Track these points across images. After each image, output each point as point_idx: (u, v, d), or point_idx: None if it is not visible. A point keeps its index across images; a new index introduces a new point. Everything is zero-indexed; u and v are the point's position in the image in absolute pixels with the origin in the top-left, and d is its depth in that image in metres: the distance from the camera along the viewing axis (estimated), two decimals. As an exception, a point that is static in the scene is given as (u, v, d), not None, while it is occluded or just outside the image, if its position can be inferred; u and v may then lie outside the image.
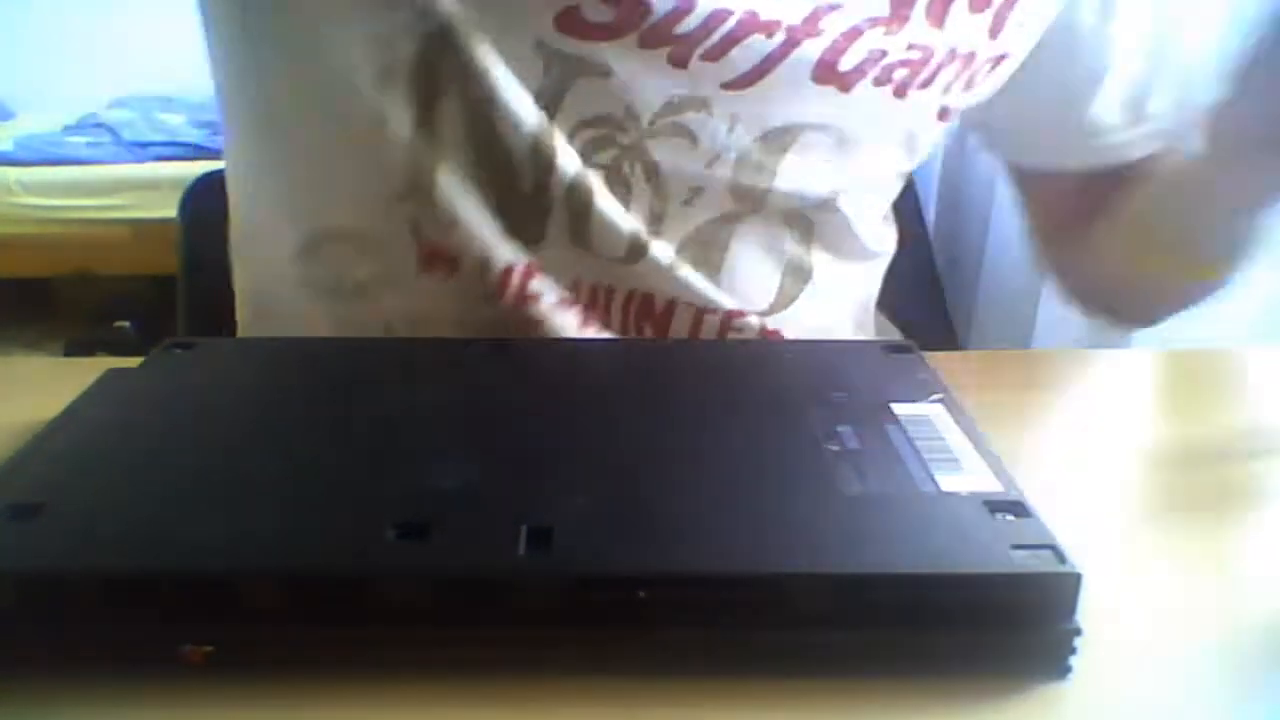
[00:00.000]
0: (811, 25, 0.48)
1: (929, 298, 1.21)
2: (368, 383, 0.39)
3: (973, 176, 1.44)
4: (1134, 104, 0.58)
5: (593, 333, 0.53)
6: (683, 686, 0.27)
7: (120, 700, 0.26)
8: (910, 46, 0.50)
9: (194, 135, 2.41)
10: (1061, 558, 0.27)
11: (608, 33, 0.47)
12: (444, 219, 0.51)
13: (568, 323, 0.52)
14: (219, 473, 0.32)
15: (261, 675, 0.27)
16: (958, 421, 0.35)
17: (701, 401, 0.37)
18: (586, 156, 0.50)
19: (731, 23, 0.47)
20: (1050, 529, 0.28)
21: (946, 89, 0.53)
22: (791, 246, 0.56)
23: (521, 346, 0.44)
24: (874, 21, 0.49)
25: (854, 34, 0.49)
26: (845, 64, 0.49)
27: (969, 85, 0.54)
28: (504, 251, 0.51)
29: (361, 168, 0.51)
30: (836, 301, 0.60)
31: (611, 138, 0.49)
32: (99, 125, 2.50)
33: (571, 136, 0.49)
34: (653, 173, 0.50)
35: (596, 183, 0.50)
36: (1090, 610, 0.27)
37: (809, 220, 0.55)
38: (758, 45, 0.48)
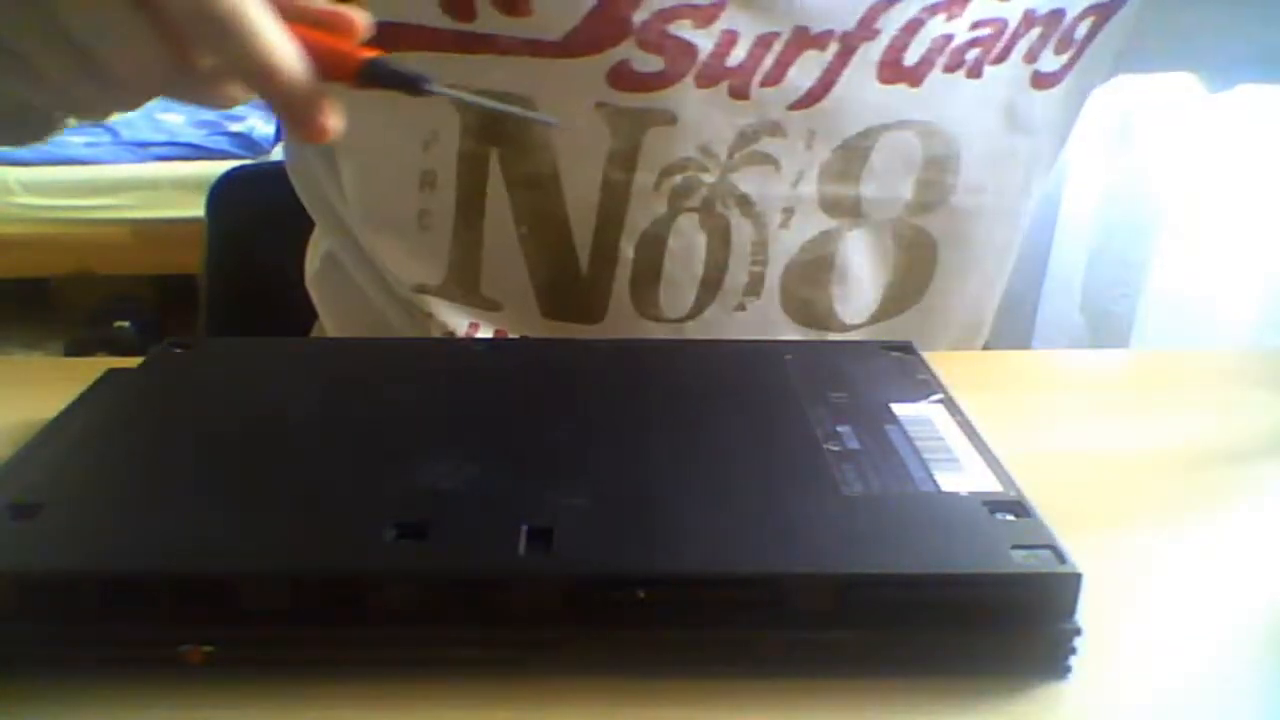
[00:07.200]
0: (867, 28, 0.47)
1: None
2: (368, 383, 0.39)
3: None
4: None
5: None
6: (683, 686, 0.27)
7: (120, 700, 0.26)
8: (976, 25, 0.48)
9: (194, 135, 2.40)
10: (1061, 557, 0.27)
11: (663, 80, 0.46)
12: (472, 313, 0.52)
13: None
14: (219, 473, 0.32)
15: (261, 675, 0.27)
16: (958, 421, 0.35)
17: (702, 402, 0.37)
18: (676, 203, 0.49)
19: (779, 45, 0.46)
20: (1050, 529, 0.28)
21: (1034, 56, 0.50)
22: (900, 255, 0.54)
23: (521, 346, 0.44)
24: (933, 10, 0.47)
25: (914, 26, 0.47)
26: (910, 58, 0.48)
27: (1064, 46, 0.51)
28: (548, 332, 0.51)
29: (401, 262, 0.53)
30: (940, 315, 0.57)
31: (696, 180, 0.49)
32: (99, 125, 2.49)
33: (656, 187, 0.49)
34: (746, 204, 0.50)
35: (673, 236, 0.50)
36: (1090, 610, 0.27)
37: (920, 228, 0.54)
38: (814, 60, 0.47)
